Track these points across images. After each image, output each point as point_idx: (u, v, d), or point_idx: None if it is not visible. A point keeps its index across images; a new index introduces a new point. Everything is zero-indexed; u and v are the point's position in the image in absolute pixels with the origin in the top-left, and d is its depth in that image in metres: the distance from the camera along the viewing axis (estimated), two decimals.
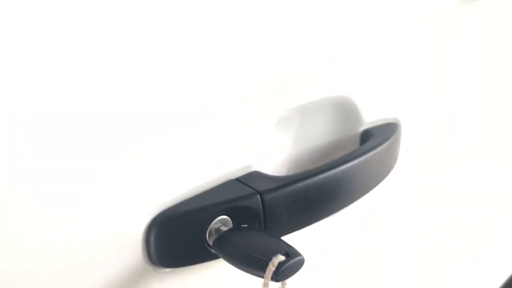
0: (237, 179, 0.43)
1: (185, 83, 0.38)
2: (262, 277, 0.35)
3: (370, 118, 0.54)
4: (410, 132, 0.60)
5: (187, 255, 0.39)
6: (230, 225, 0.41)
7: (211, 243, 0.39)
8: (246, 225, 0.41)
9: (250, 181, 0.43)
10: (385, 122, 0.56)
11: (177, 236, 0.38)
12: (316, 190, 0.45)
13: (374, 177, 0.52)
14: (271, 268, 0.35)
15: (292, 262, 0.36)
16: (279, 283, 0.37)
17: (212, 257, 0.40)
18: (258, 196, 0.41)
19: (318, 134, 0.52)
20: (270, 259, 0.35)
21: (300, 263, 0.37)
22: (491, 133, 0.80)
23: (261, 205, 0.41)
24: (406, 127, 0.58)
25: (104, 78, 0.33)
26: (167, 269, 0.39)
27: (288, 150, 0.49)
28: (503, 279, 0.96)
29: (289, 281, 0.37)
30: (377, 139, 0.52)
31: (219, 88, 0.40)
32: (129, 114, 0.35)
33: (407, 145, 0.60)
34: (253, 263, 0.36)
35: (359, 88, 0.53)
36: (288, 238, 0.41)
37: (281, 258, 0.36)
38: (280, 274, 0.35)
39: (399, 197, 0.64)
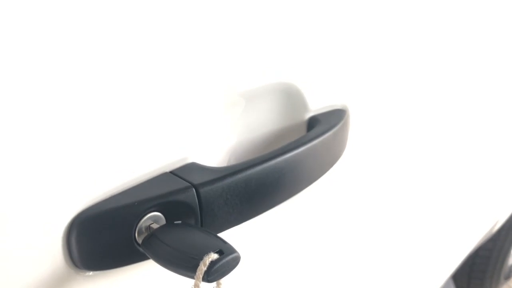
0: (171, 172, 0.40)
1: (104, 73, 0.34)
2: (193, 278, 0.33)
3: (317, 105, 0.52)
4: (360, 120, 0.58)
5: (113, 256, 0.36)
6: (163, 222, 0.38)
7: (140, 242, 0.36)
8: (179, 222, 0.38)
9: (186, 173, 0.40)
10: (332, 108, 0.54)
11: (102, 235, 0.35)
12: (257, 181, 0.42)
13: (322, 165, 0.50)
14: (202, 268, 0.32)
15: (226, 261, 0.33)
16: (213, 284, 0.34)
17: (141, 258, 0.37)
18: (194, 189, 0.38)
19: (262, 122, 0.49)
20: (202, 258, 0.33)
21: (235, 261, 0.34)
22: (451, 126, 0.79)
23: (196, 199, 0.38)
24: (356, 116, 0.56)
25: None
26: (91, 272, 0.36)
27: (229, 139, 0.46)
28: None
29: (225, 281, 0.34)
30: (324, 126, 0.50)
31: (149, 75, 0.37)
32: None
33: (356, 133, 0.58)
34: (183, 263, 0.33)
35: (305, 74, 0.50)
36: (227, 235, 0.38)
37: (214, 256, 0.33)
38: (213, 274, 0.33)
39: (348, 186, 0.62)
